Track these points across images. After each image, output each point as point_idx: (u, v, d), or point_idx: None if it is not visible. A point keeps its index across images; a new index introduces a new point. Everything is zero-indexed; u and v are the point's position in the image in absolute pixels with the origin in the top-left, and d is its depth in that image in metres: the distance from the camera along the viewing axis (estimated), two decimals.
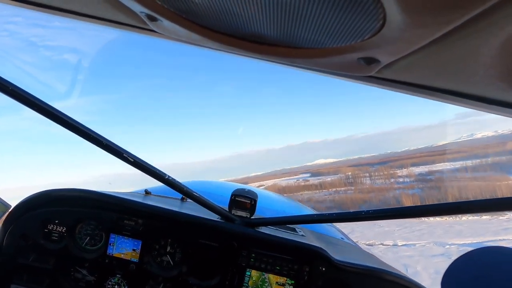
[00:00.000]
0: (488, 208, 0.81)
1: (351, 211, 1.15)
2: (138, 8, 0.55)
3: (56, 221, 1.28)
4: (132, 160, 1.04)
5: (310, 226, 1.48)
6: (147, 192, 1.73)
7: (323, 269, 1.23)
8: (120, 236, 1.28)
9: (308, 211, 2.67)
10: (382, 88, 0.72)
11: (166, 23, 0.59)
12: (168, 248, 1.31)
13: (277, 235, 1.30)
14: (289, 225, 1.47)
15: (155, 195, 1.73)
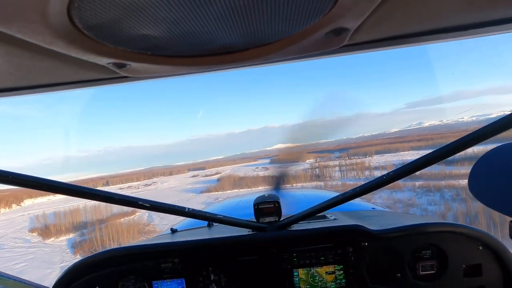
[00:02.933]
0: (486, 135, 0.84)
1: (372, 179, 1.14)
2: (104, 60, 0.55)
3: None
4: (149, 205, 1.07)
5: (339, 208, 1.41)
6: (173, 231, 1.71)
7: (366, 244, 1.25)
8: (162, 281, 1.31)
9: (330, 194, 2.55)
10: (359, 53, 0.72)
11: (135, 65, 0.60)
12: (212, 277, 1.31)
13: (311, 227, 1.32)
14: (318, 214, 1.48)
15: (181, 231, 1.73)
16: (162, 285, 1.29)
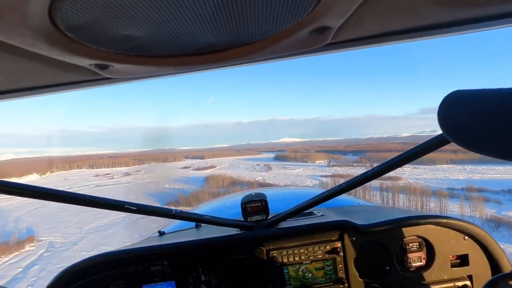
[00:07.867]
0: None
1: (358, 175, 1.16)
2: (86, 62, 0.55)
3: None
4: (135, 208, 1.06)
5: (325, 204, 1.43)
6: (161, 233, 1.69)
7: (354, 238, 1.27)
8: (153, 284, 1.30)
9: (317, 190, 2.51)
10: (343, 51, 0.72)
11: (118, 66, 0.59)
12: (202, 277, 1.31)
13: (298, 224, 1.33)
14: (305, 211, 1.48)
15: (169, 233, 1.71)
16: None
